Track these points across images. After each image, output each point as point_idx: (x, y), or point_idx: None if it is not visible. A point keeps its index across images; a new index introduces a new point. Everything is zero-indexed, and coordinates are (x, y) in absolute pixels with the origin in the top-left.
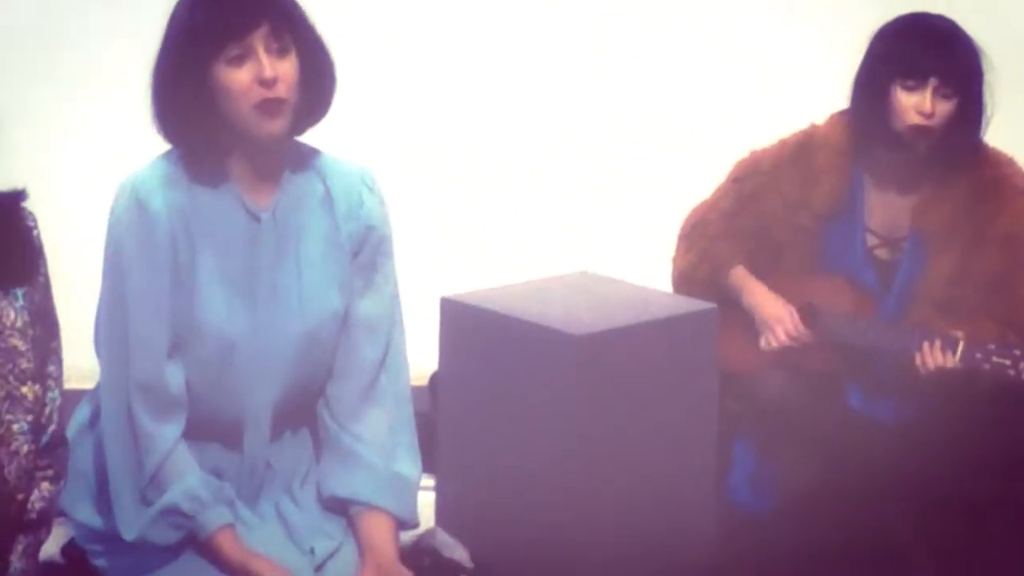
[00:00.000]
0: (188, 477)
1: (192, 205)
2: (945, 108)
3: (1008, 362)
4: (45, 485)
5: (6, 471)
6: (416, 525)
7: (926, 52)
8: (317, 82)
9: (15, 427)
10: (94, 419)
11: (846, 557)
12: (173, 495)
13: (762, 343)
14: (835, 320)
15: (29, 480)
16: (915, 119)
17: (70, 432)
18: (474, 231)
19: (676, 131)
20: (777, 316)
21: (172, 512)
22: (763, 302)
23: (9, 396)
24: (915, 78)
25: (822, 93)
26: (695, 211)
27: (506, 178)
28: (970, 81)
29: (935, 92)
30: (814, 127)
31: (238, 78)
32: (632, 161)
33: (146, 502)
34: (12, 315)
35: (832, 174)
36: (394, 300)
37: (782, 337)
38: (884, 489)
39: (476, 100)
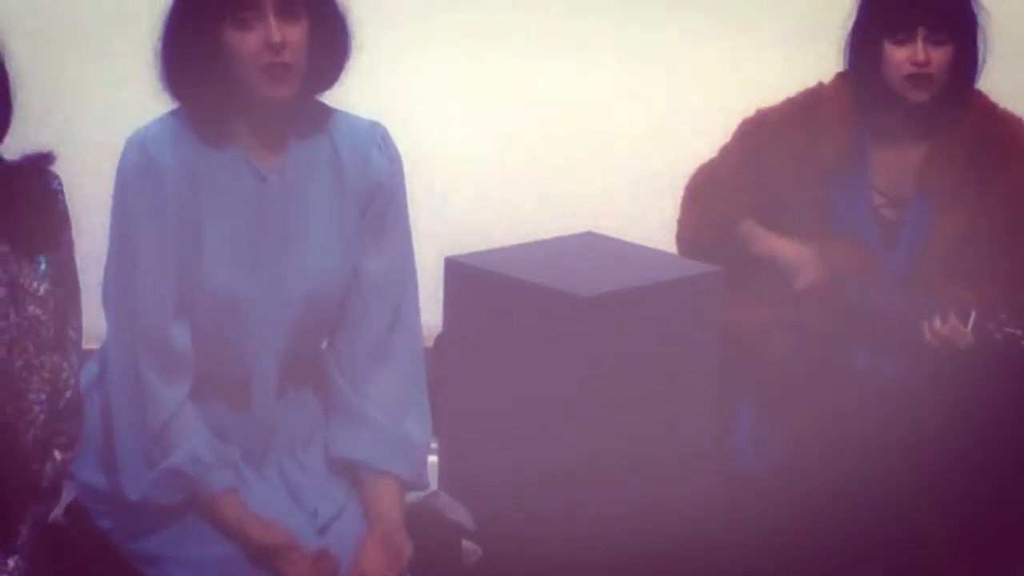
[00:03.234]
0: (193, 439)
1: (200, 162)
2: (940, 55)
3: (1020, 332)
4: (58, 453)
5: (23, 440)
6: (426, 486)
7: (911, 4)
8: (328, 50)
9: (32, 396)
10: (102, 377)
11: (848, 517)
12: (177, 457)
13: (797, 286)
14: (844, 282)
15: (45, 449)
16: (909, 69)
17: None
18: (479, 191)
19: (683, 91)
20: (801, 257)
21: (176, 474)
22: (783, 248)
23: (28, 365)
24: (903, 32)
25: (838, 50)
26: (701, 170)
27: (511, 138)
28: (962, 25)
29: (926, 40)
30: (821, 85)
31: (246, 41)
32: (637, 122)
33: (150, 462)
34: (35, 283)
35: (838, 127)
36: (406, 259)
37: (809, 280)
38: (887, 450)
39: (483, 58)
